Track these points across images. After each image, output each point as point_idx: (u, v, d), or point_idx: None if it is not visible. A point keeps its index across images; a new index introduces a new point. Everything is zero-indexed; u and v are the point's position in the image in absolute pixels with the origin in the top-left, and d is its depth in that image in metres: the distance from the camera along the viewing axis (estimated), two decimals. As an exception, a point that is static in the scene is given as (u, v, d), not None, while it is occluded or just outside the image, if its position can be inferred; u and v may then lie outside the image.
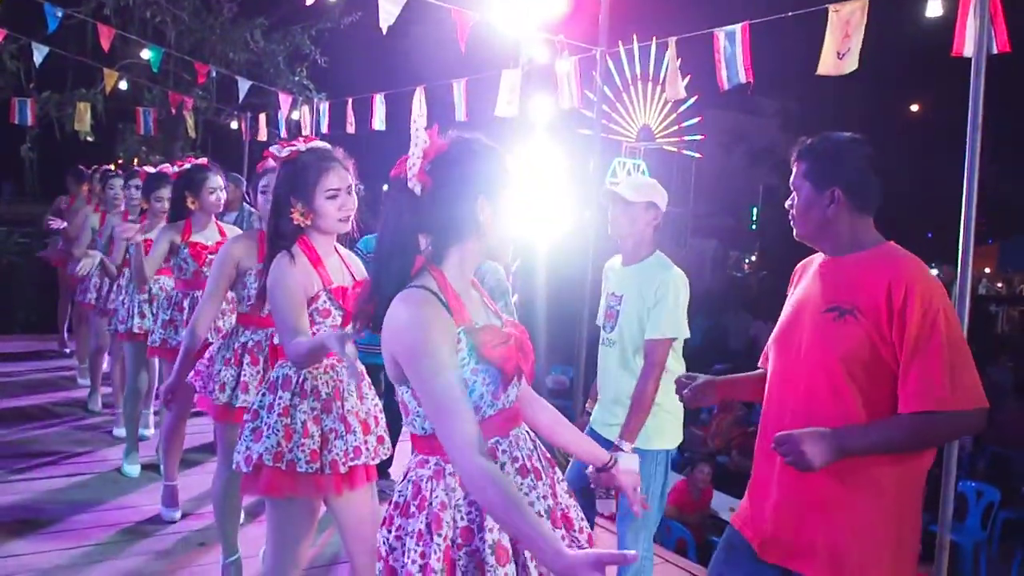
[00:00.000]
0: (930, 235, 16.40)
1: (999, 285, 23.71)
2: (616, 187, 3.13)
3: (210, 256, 3.91)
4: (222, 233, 4.16)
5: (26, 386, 6.67)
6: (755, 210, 28.42)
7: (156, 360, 4.72)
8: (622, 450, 2.89)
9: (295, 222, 2.55)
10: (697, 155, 22.20)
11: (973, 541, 6.88)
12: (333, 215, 2.56)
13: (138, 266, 4.17)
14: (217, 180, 4.12)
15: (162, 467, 4.23)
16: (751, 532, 2.20)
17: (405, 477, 1.78)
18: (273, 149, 2.65)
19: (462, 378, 1.63)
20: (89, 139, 11.95)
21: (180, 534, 3.93)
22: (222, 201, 4.18)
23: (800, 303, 2.18)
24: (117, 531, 3.93)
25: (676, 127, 21.79)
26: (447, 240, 1.74)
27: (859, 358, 1.98)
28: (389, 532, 1.72)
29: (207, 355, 3.20)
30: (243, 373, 3.05)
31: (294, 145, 2.62)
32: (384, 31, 4.73)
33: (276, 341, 3.10)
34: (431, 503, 1.67)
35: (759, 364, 2.40)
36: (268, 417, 2.51)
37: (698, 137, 22.08)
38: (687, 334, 3.04)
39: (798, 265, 2.34)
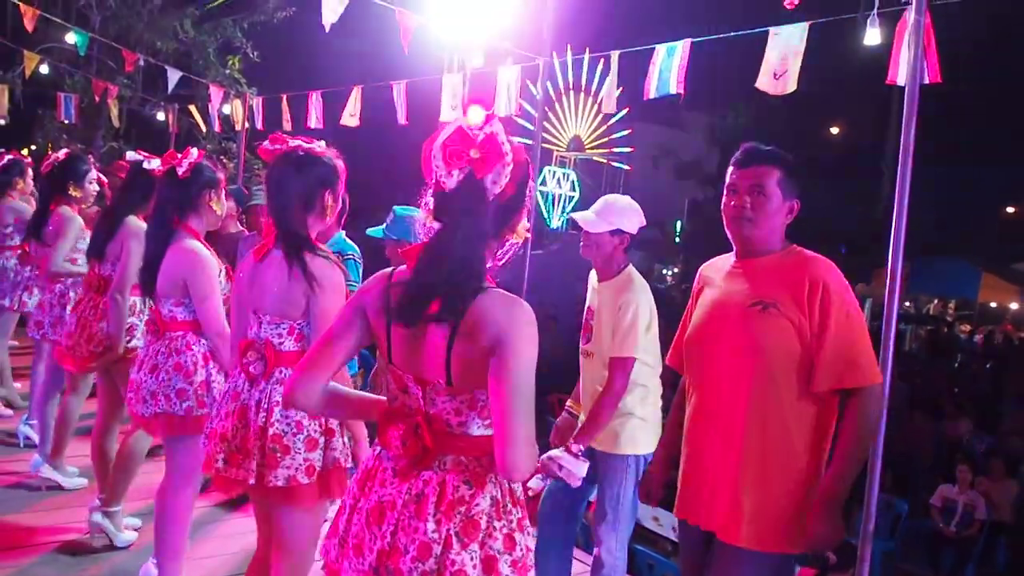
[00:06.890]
0: (844, 250, 17.07)
1: (907, 304, 24.74)
2: (578, 215, 3.13)
3: None
4: None
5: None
6: (679, 223, 28.96)
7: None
8: (571, 451, 2.92)
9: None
10: (626, 167, 22.49)
11: (881, 551, 7.15)
12: None
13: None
14: None
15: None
16: (697, 518, 2.35)
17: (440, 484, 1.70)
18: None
19: None
20: (1, 122, 11.40)
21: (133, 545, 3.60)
22: None
23: (721, 301, 2.36)
24: (52, 549, 3.56)
25: (606, 139, 22.07)
26: (498, 245, 1.75)
27: (782, 345, 2.20)
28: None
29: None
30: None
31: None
32: (327, 29, 4.67)
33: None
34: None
35: (667, 362, 2.62)
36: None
37: (627, 149, 22.39)
38: (636, 356, 3.00)
39: (702, 268, 2.54)
